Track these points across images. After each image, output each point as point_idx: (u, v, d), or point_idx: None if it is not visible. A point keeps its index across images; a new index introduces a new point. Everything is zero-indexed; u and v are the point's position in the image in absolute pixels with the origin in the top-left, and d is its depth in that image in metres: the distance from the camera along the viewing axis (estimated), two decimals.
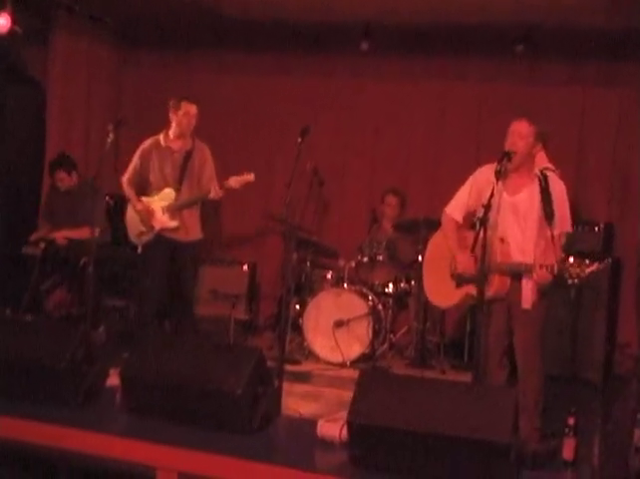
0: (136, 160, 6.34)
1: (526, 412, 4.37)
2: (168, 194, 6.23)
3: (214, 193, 6.16)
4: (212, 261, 7.69)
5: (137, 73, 8.80)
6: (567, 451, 3.48)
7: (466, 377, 6.03)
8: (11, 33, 7.05)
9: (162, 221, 6.21)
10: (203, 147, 6.39)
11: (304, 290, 7.24)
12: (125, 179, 6.36)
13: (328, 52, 8.16)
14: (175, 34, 8.52)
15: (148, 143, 6.35)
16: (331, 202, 8.15)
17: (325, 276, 7.27)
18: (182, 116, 6.23)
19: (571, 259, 4.17)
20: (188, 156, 6.27)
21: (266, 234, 8.20)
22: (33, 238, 7.15)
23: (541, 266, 4.36)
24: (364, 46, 7.73)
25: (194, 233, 6.34)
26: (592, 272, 4.12)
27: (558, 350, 6.32)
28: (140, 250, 6.39)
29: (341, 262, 7.21)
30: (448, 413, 3.16)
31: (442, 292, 4.95)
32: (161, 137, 6.31)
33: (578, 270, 4.11)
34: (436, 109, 7.96)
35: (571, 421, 3.50)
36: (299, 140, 5.30)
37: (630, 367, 6.84)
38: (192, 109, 6.26)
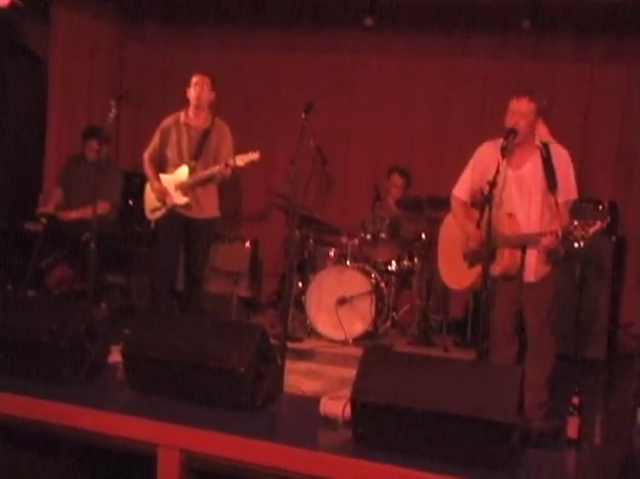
0: (156, 137, 6.31)
1: (533, 389, 4.37)
2: (183, 171, 6.18)
3: (219, 171, 6.06)
4: (214, 238, 7.66)
5: (139, 48, 8.74)
6: (572, 430, 3.47)
7: (468, 355, 6.04)
8: (12, 6, 7.00)
9: (174, 197, 6.18)
10: (223, 125, 6.31)
11: (307, 268, 7.23)
12: (146, 155, 6.34)
13: (332, 28, 8.11)
14: (179, 9, 8.46)
15: (168, 120, 6.31)
16: (334, 179, 8.11)
17: (328, 254, 7.24)
18: (193, 88, 6.15)
19: (575, 222, 4.14)
20: (206, 133, 6.21)
21: (269, 210, 8.17)
22: (41, 210, 7.15)
23: (546, 233, 4.36)
24: (368, 22, 7.66)
25: (209, 210, 6.28)
26: (596, 232, 4.08)
27: (562, 329, 6.29)
28: (152, 226, 6.38)
29: (344, 240, 7.17)
30: (452, 391, 3.14)
31: (457, 275, 4.95)
32: (182, 114, 6.25)
33: (583, 232, 4.08)
34: (440, 86, 7.90)
35: (576, 400, 3.49)
36: (303, 116, 5.27)
37: (633, 346, 6.83)
38: (202, 79, 6.16)
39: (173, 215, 6.21)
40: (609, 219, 4.56)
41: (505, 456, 3.04)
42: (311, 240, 7.24)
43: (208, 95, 6.18)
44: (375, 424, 3.21)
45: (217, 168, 6.05)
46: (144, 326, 3.92)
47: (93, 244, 5.46)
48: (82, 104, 8.23)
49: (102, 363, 4.05)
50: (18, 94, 8.13)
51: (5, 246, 7.43)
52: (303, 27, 8.16)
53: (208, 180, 6.18)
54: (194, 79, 6.15)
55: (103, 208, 6.62)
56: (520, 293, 4.63)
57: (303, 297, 6.93)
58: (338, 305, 6.74)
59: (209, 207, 6.29)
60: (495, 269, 4.50)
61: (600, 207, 6.67)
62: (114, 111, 5.70)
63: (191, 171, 6.17)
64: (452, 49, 7.83)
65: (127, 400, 3.71)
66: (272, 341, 3.84)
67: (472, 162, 4.83)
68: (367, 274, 6.83)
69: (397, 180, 7.41)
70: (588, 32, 7.34)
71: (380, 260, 7.05)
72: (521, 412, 3.16)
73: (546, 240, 4.36)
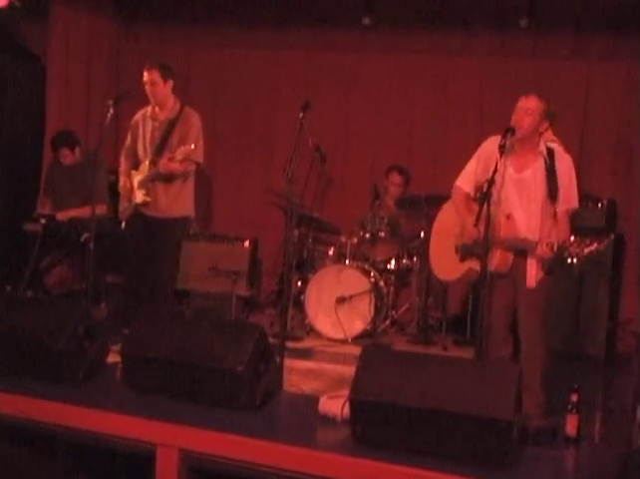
0: (128, 133, 6.13)
1: (530, 390, 4.36)
2: (144, 167, 5.94)
3: (162, 164, 5.73)
4: (213, 237, 7.65)
5: (137, 47, 8.73)
6: (570, 428, 3.47)
7: (468, 353, 6.04)
8: (10, 7, 6.99)
9: (137, 195, 5.95)
10: (191, 115, 5.95)
11: (306, 267, 7.23)
12: (122, 152, 6.20)
13: (330, 26, 8.10)
14: (176, 8, 8.45)
15: (138, 114, 6.09)
16: (333, 177, 8.11)
17: (327, 253, 7.24)
18: (145, 86, 5.86)
19: (572, 238, 4.14)
20: (172, 125, 5.90)
21: (268, 209, 8.16)
22: (39, 211, 7.14)
23: (542, 243, 4.35)
24: (366, 21, 7.68)
25: (172, 209, 5.94)
26: (591, 252, 4.08)
27: (561, 326, 6.32)
28: (123, 226, 6.19)
29: (343, 239, 7.17)
30: (450, 389, 3.15)
31: (445, 266, 4.95)
32: (149, 107, 6.01)
33: (578, 250, 4.08)
34: (438, 84, 7.90)
35: (574, 397, 3.49)
36: (300, 115, 5.26)
37: (632, 344, 6.83)
38: (149, 75, 5.82)
39: (138, 214, 5.97)
40: (607, 242, 4.57)
41: (504, 453, 3.04)
42: (310, 240, 7.24)
43: (162, 87, 5.84)
44: (374, 423, 3.21)
45: (161, 162, 5.75)
46: (142, 326, 3.92)
47: (92, 245, 5.45)
48: (80, 104, 8.24)
49: (101, 363, 4.05)
50: (16, 94, 8.13)
51: (4, 247, 7.42)
52: (300, 26, 8.15)
53: (162, 176, 5.84)
54: (144, 76, 5.83)
55: (101, 209, 6.59)
56: (514, 293, 4.62)
57: (302, 296, 6.93)
58: (337, 304, 6.74)
59: (173, 205, 5.94)
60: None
61: (599, 205, 6.66)
62: (112, 110, 5.67)
63: (152, 166, 5.88)
64: (449, 47, 7.83)
65: (125, 400, 3.71)
66: (272, 340, 3.84)
67: (476, 154, 4.79)
68: (366, 273, 6.83)
69: (396, 178, 7.41)
70: (586, 30, 7.34)
71: (379, 259, 7.06)
72: (520, 409, 3.17)
73: (541, 251, 4.36)
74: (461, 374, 3.24)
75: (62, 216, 7.01)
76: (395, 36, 7.94)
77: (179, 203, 5.98)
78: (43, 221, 6.99)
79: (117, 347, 3.95)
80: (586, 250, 4.06)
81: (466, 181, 4.84)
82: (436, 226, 5.16)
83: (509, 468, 3.05)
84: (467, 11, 7.57)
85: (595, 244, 4.08)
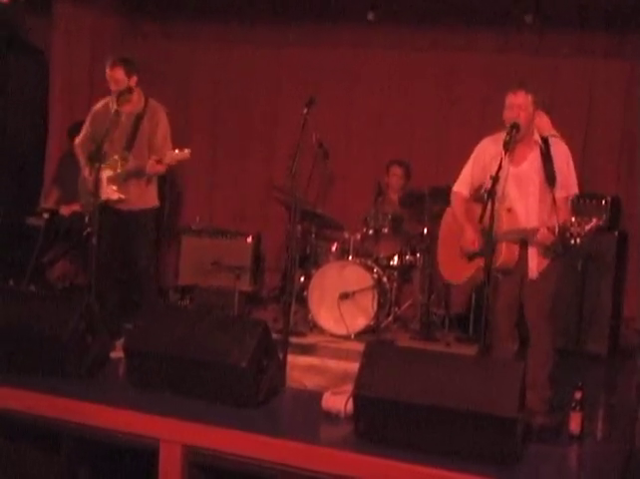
0: (87, 123, 5.90)
1: (536, 386, 4.37)
2: (115, 162, 5.73)
3: (150, 167, 5.62)
4: (215, 233, 7.66)
5: (141, 43, 8.71)
6: (574, 425, 3.47)
7: (470, 350, 6.03)
8: (14, 1, 6.99)
9: (108, 192, 5.71)
10: (157, 109, 5.77)
11: (309, 262, 7.22)
12: (77, 142, 5.96)
13: (334, 22, 8.08)
14: (180, 4, 8.44)
15: (99, 104, 5.87)
16: (336, 173, 8.09)
17: (330, 249, 7.23)
18: (109, 81, 5.69)
19: (572, 219, 4.15)
20: (138, 119, 5.72)
21: (271, 205, 8.15)
22: (43, 205, 7.14)
23: (543, 228, 4.36)
24: (370, 16, 7.66)
25: (141, 201, 5.78)
26: (592, 229, 4.09)
27: (564, 323, 6.30)
28: (86, 220, 6.01)
29: (346, 235, 7.16)
30: (454, 386, 3.14)
31: (455, 269, 4.96)
32: (114, 99, 5.73)
33: (579, 229, 4.09)
34: (442, 80, 7.88)
35: (578, 395, 3.49)
36: (305, 111, 5.25)
37: (636, 341, 6.82)
38: (112, 73, 5.64)
39: (105, 208, 5.71)
40: (605, 216, 4.56)
41: (508, 451, 3.04)
42: (313, 235, 7.23)
43: (126, 84, 5.66)
44: (377, 419, 3.21)
45: (149, 163, 5.60)
46: (145, 321, 3.92)
47: (94, 239, 5.45)
48: (83, 98, 8.20)
49: (104, 358, 4.06)
50: (20, 88, 8.12)
51: (7, 241, 7.43)
52: (304, 21, 8.13)
53: (140, 173, 5.71)
54: (106, 73, 5.66)
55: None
56: (520, 290, 4.63)
57: (305, 292, 6.92)
58: (340, 300, 6.73)
59: (143, 197, 5.81)
60: (494, 264, 4.50)
61: (603, 202, 6.65)
62: (114, 106, 5.66)
63: (123, 162, 5.71)
64: (454, 43, 7.80)
65: (129, 395, 3.71)
66: (275, 336, 3.84)
67: (472, 157, 4.84)
68: (369, 269, 6.82)
69: (396, 170, 7.38)
70: (590, 27, 7.32)
71: (382, 255, 7.05)
72: (523, 407, 3.16)
73: (541, 235, 4.37)
74: (464, 371, 3.24)
75: (65, 210, 7.01)
76: (399, 32, 7.92)
77: (149, 194, 5.86)
78: (46, 215, 7.00)
79: (120, 342, 3.96)
80: (587, 228, 4.08)
81: (463, 185, 4.87)
82: (441, 232, 5.19)
83: (513, 465, 3.05)
84: (471, 7, 7.55)
85: (594, 220, 4.10)
